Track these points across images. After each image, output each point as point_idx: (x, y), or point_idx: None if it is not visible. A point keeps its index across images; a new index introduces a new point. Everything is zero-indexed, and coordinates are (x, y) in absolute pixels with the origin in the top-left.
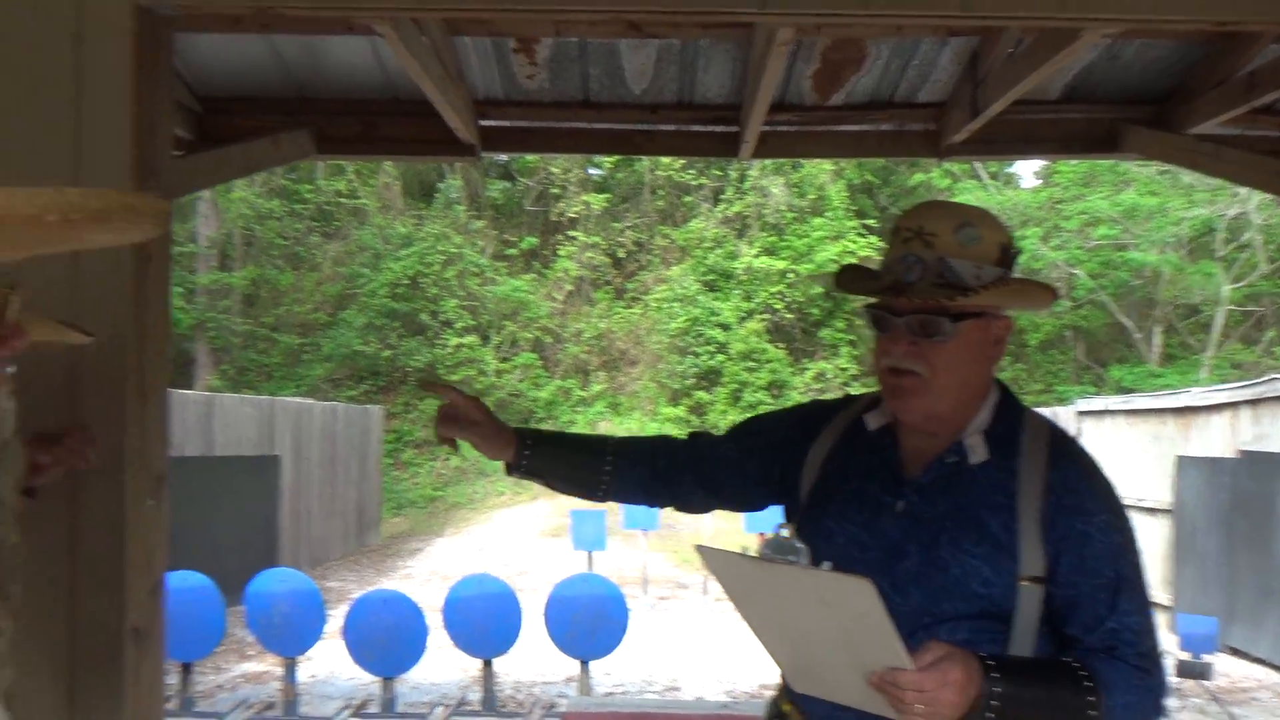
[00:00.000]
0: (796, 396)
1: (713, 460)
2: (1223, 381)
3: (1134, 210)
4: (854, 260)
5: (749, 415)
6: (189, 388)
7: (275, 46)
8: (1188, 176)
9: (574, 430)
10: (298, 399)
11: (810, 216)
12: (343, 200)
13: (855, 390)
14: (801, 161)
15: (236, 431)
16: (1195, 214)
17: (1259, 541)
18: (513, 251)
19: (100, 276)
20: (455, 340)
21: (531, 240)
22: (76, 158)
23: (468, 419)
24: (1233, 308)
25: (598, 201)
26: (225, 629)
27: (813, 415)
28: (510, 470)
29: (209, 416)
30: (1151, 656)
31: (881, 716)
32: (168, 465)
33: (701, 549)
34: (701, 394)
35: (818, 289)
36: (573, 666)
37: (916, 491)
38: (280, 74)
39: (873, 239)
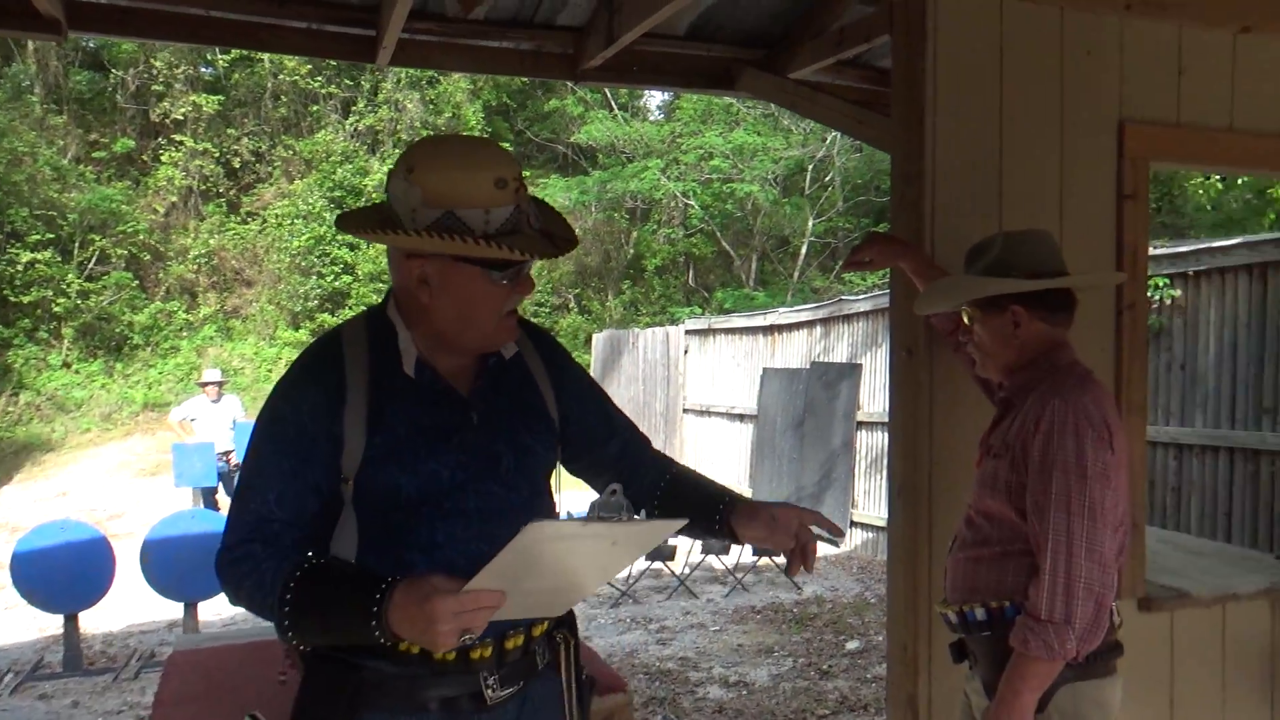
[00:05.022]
0: None
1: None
2: (803, 303)
3: (742, 148)
4: None
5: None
6: None
7: None
8: (786, 120)
9: (179, 358)
10: None
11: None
12: None
13: None
14: (439, 78)
15: None
16: (790, 154)
17: (821, 438)
18: (102, 154)
19: None
20: (27, 256)
21: (127, 142)
22: None
23: None
24: (814, 239)
25: (209, 103)
26: None
27: (322, 393)
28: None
29: None
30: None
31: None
32: None
33: (531, 527)
34: (326, 317)
35: None
36: (177, 611)
37: (481, 399)
38: None
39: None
